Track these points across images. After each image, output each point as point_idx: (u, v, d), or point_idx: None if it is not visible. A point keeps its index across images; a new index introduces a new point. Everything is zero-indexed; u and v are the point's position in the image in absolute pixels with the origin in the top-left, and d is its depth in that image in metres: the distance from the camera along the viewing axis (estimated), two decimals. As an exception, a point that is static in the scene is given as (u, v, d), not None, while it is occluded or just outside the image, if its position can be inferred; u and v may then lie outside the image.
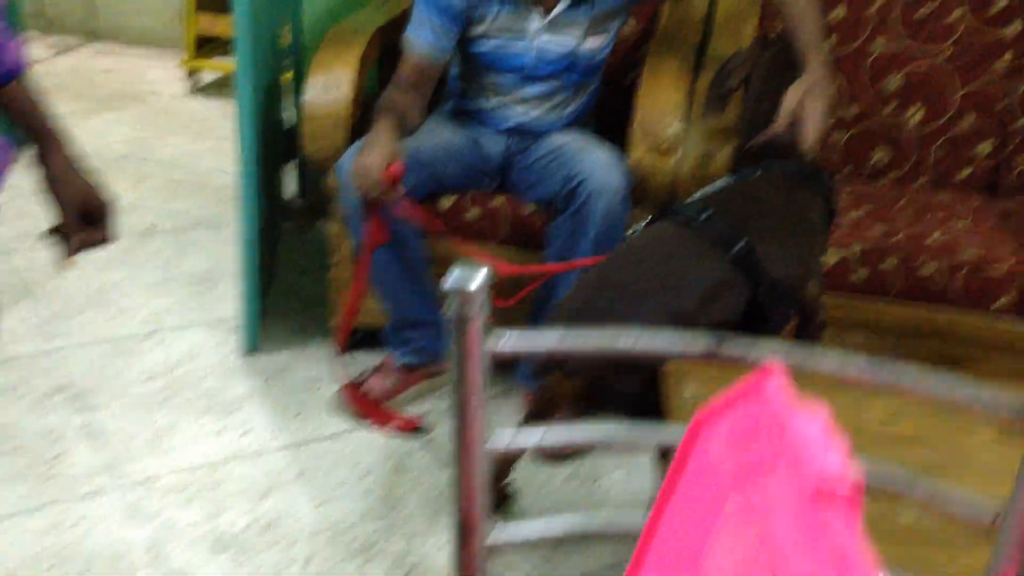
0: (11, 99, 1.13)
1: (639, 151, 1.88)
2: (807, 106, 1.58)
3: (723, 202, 1.50)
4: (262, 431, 1.95)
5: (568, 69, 1.97)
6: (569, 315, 1.35)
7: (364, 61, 2.03)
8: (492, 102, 2.03)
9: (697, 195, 1.57)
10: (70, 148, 1.16)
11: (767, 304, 1.43)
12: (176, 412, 1.99)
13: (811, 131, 1.57)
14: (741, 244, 1.40)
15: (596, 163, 1.83)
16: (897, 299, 1.83)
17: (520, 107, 2.02)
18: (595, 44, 1.96)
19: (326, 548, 1.69)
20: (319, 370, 2.16)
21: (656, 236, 1.47)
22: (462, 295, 0.63)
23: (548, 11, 1.91)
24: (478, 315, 0.63)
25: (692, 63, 2.01)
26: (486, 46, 1.96)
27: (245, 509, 1.76)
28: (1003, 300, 1.78)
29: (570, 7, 1.90)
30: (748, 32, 2.16)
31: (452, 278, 0.64)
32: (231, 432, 1.94)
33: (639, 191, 1.87)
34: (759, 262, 1.41)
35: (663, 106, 1.89)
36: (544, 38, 1.93)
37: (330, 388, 2.08)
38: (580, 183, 1.81)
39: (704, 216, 1.43)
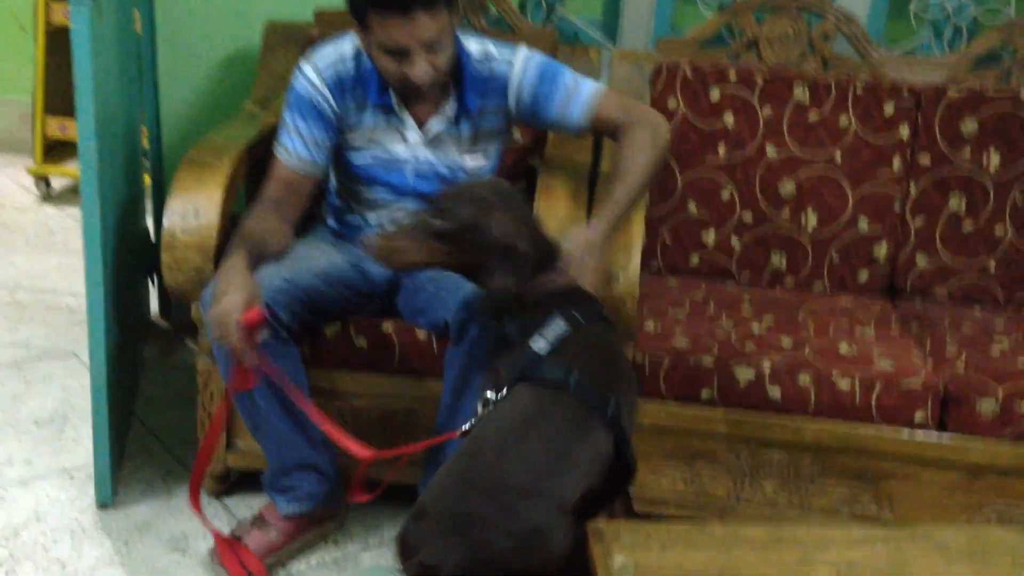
0: None
1: (538, 272, 1.76)
2: (584, 260, 1.56)
3: (580, 358, 1.37)
4: (121, 609, 1.68)
5: (449, 185, 1.85)
6: (438, 521, 1.17)
7: (231, 184, 1.85)
8: (372, 219, 1.89)
9: (541, 345, 1.38)
10: None
11: (629, 460, 1.33)
12: (15, 593, 1.70)
13: (589, 285, 1.53)
14: (612, 404, 1.31)
15: None
16: (813, 416, 1.75)
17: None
18: (475, 164, 1.86)
19: None
20: (188, 524, 1.90)
21: (524, 411, 1.31)
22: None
23: (423, 125, 1.80)
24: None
25: (586, 180, 1.93)
26: (362, 159, 1.83)
27: None
28: (920, 413, 1.73)
29: (450, 124, 1.80)
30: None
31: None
32: (83, 614, 1.66)
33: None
34: (622, 419, 1.32)
35: (562, 224, 1.78)
36: (422, 153, 1.82)
37: (201, 546, 1.83)
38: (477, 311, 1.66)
39: (574, 379, 1.31)
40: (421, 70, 1.66)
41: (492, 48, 1.80)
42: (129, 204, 2.23)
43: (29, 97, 3.61)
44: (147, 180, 2.52)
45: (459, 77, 1.77)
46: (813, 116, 2.17)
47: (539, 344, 1.38)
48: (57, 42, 3.38)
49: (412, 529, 1.20)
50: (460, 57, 1.76)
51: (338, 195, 1.93)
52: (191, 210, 1.78)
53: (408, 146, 1.82)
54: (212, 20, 2.52)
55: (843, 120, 2.17)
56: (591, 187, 1.93)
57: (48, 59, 3.40)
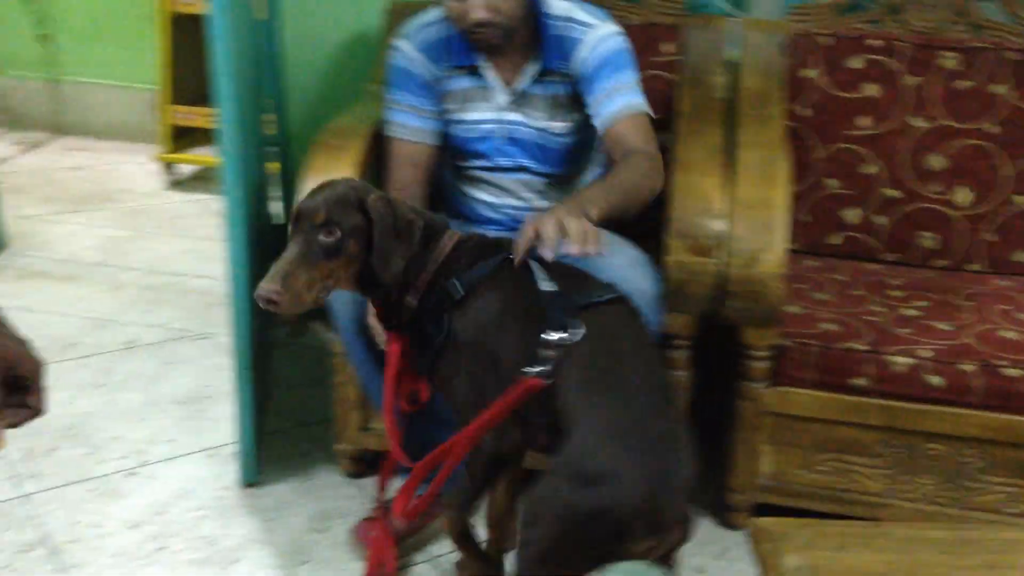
0: None
1: (677, 253, 1.70)
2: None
3: (573, 280, 1.43)
4: (267, 587, 1.72)
5: (542, 152, 1.83)
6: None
7: (362, 165, 1.85)
8: (479, 196, 1.88)
9: (547, 286, 1.39)
10: None
11: None
12: (167, 569, 1.74)
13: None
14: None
15: (620, 266, 1.65)
16: (977, 407, 1.65)
17: (512, 201, 1.86)
18: (560, 127, 1.82)
19: None
20: (327, 504, 1.93)
21: (620, 339, 1.38)
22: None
23: (510, 84, 1.79)
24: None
25: (721, 153, 1.85)
26: (457, 128, 1.83)
27: None
28: (1097, 405, 1.61)
29: (535, 83, 1.78)
30: (776, 115, 2.01)
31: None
32: (232, 591, 1.70)
33: (678, 297, 1.69)
34: None
35: (701, 201, 1.72)
36: (511, 116, 1.81)
37: (341, 525, 1.85)
38: None
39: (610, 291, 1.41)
40: (480, 7, 1.66)
41: (577, 12, 1.79)
42: (259, 188, 2.26)
43: (150, 85, 3.72)
44: (274, 167, 2.55)
45: (541, 37, 1.76)
46: (963, 84, 2.04)
47: (545, 286, 1.38)
48: (177, 30, 3.46)
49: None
50: (542, 16, 1.76)
51: (449, 185, 1.92)
52: (325, 193, 1.78)
53: (496, 109, 1.80)
54: (334, 2, 2.53)
55: (997, 88, 2.03)
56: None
57: (170, 47, 3.48)
